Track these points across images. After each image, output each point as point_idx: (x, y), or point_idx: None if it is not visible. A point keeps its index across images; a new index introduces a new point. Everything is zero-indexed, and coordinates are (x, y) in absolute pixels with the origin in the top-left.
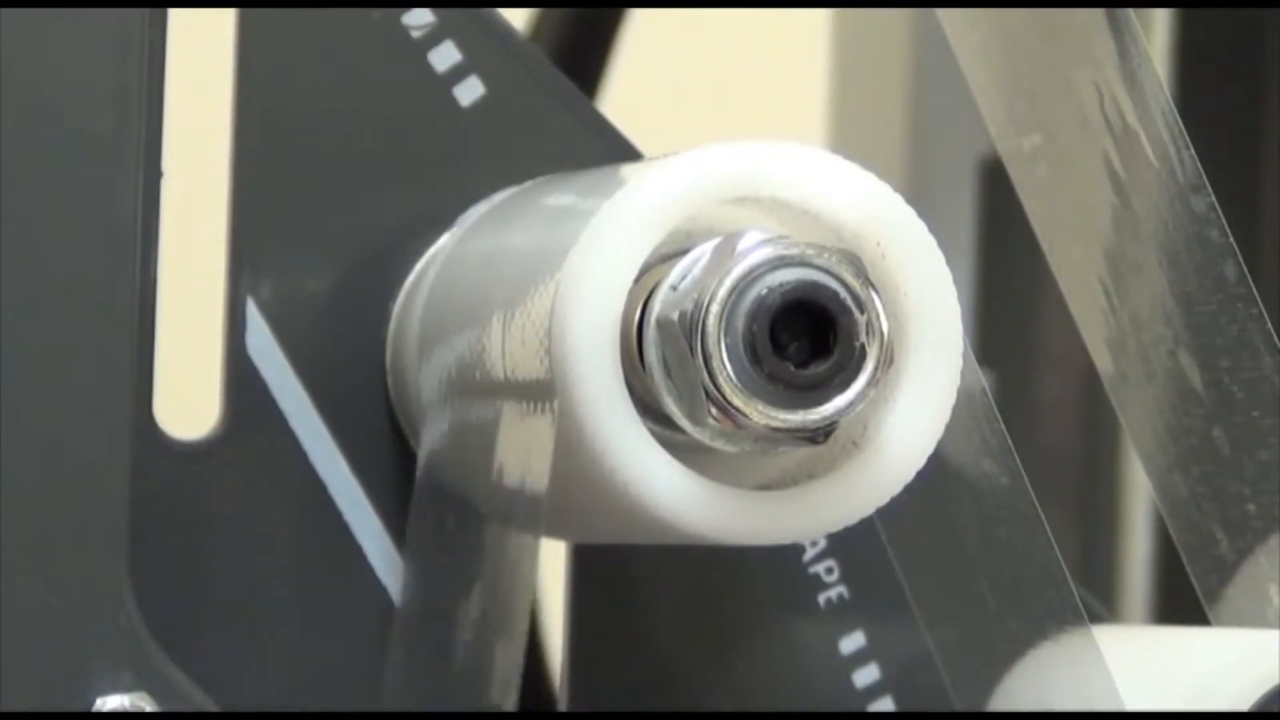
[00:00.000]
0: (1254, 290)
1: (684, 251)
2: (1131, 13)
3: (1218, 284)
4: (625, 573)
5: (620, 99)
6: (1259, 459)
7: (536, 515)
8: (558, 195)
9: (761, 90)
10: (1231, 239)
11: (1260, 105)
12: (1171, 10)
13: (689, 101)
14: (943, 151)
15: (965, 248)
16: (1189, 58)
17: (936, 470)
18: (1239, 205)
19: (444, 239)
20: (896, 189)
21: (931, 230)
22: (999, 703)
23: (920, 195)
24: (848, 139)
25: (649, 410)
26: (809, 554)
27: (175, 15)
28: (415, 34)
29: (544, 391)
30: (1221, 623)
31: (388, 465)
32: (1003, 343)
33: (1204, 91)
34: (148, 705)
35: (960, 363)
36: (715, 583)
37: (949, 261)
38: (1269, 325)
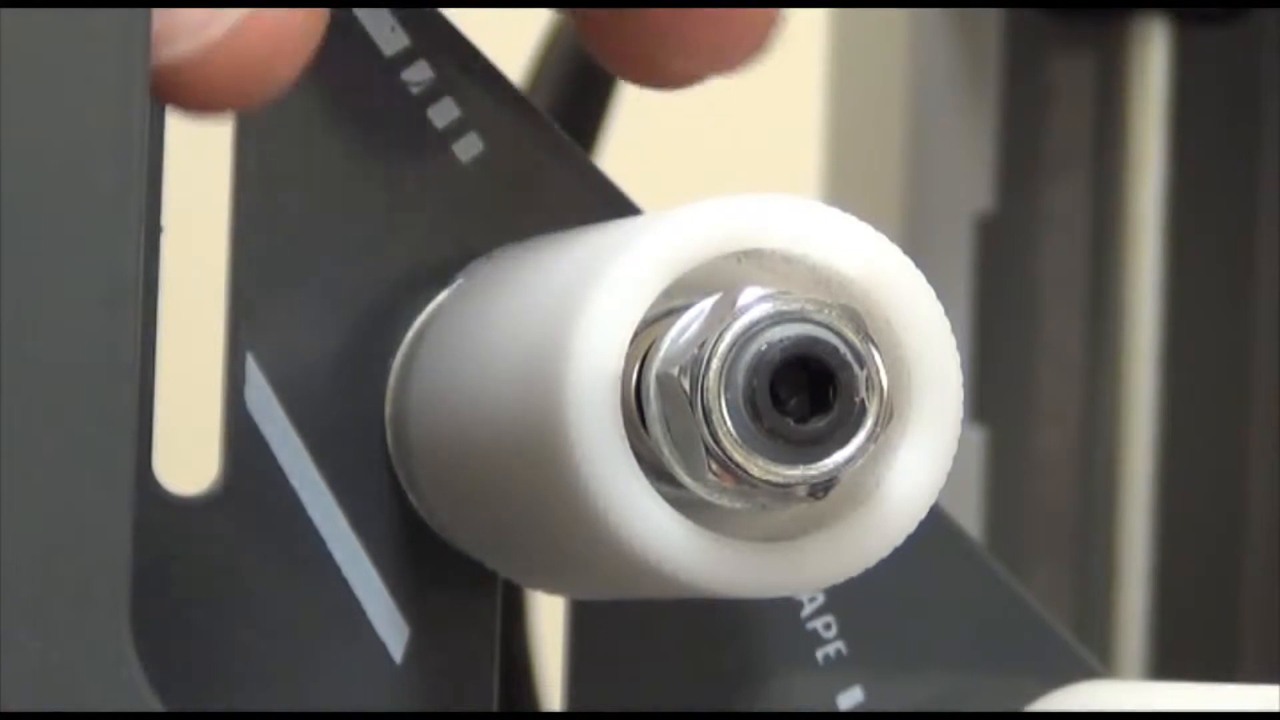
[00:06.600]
0: None
1: (682, 308)
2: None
3: None
4: (622, 627)
5: (618, 152)
6: None
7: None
8: (557, 251)
9: (756, 144)
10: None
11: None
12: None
13: (684, 156)
14: (939, 206)
15: (960, 303)
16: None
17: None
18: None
19: (444, 294)
20: (892, 243)
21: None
22: None
23: (916, 250)
24: (843, 192)
25: (649, 467)
26: (807, 609)
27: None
28: (414, 90)
29: (544, 446)
30: None
31: (387, 521)
32: (997, 398)
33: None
34: None
35: (960, 415)
36: (713, 637)
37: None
38: None
